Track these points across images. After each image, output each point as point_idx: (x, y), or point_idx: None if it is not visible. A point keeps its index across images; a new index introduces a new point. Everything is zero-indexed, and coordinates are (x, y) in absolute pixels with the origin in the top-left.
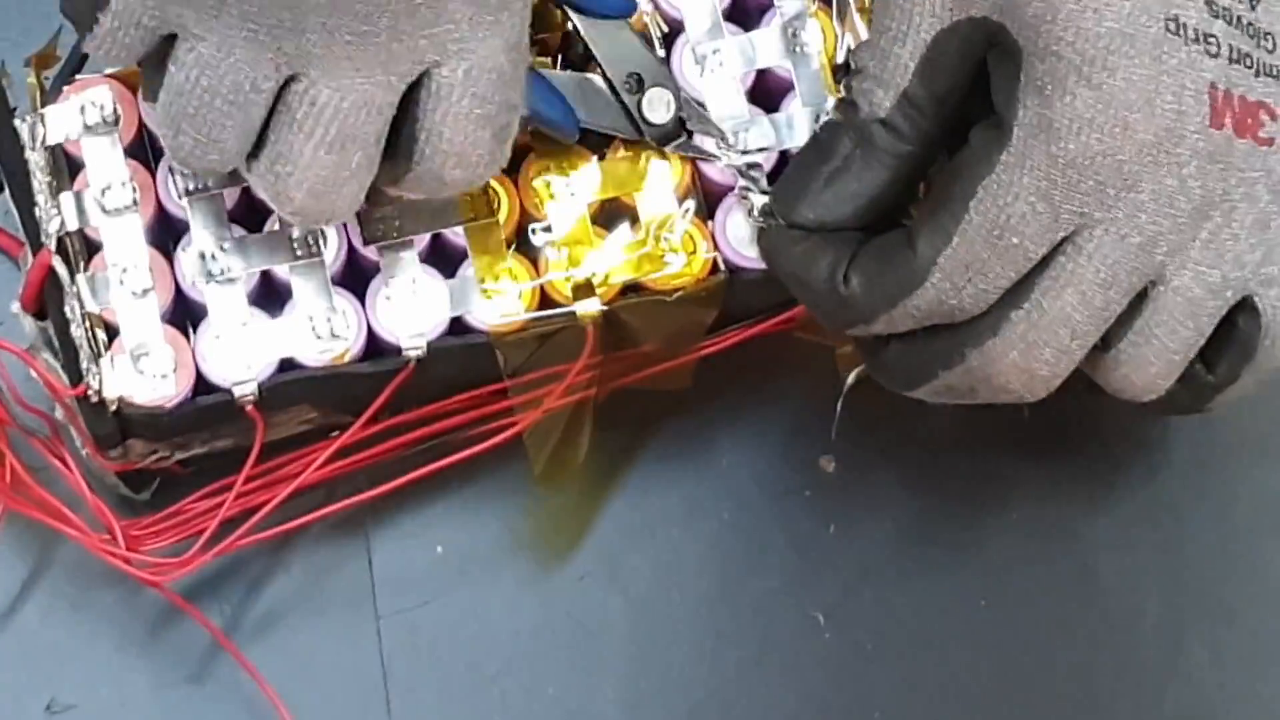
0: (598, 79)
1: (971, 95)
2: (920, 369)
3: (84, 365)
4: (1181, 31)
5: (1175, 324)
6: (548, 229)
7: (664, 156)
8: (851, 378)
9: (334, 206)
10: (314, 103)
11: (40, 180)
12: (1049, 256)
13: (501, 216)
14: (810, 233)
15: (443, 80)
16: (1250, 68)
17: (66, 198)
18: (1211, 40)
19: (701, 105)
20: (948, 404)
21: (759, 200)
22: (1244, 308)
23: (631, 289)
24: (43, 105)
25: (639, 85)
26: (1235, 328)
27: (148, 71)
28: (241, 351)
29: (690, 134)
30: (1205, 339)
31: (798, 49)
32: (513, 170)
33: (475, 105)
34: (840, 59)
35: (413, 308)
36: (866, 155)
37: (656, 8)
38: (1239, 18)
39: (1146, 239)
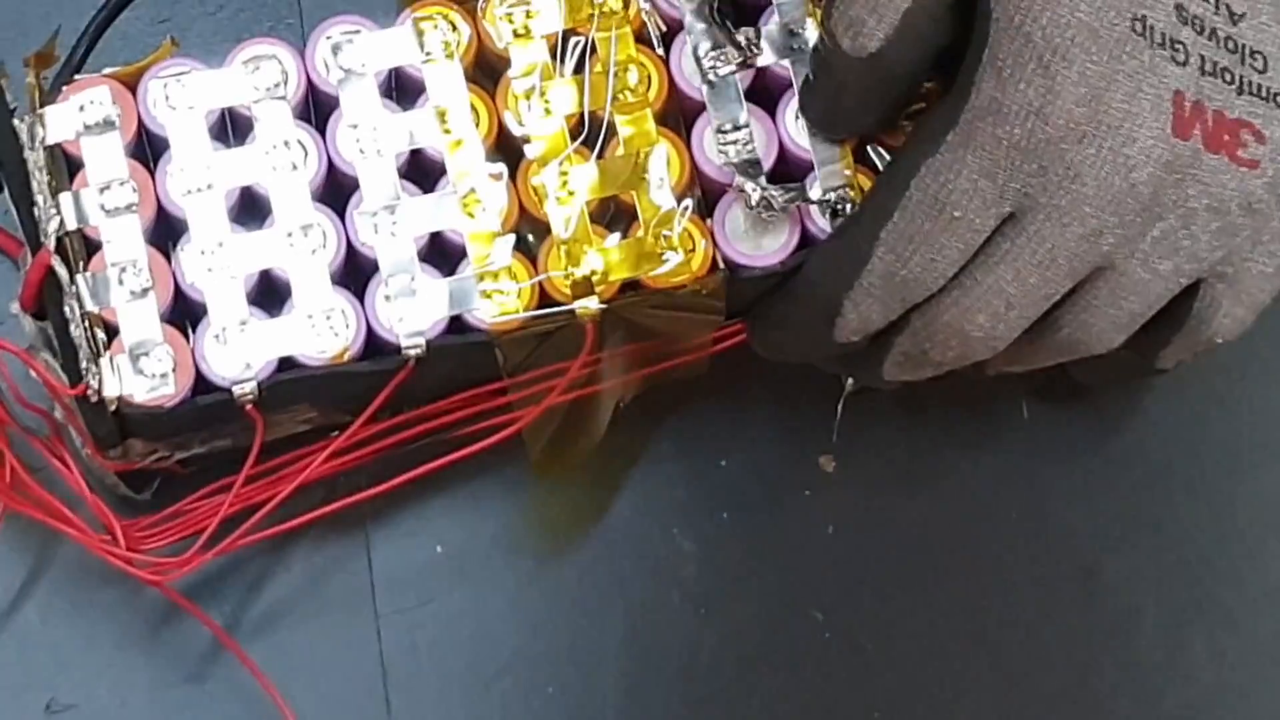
0: None
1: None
2: (882, 343)
3: (83, 365)
4: (1147, 33)
5: (1119, 299)
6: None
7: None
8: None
9: None
10: None
11: (39, 180)
12: (996, 231)
13: (500, 216)
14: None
15: None
16: (1231, 83)
17: (66, 197)
18: (1179, 47)
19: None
20: (917, 383)
21: (755, 194)
22: (1190, 287)
23: (631, 287)
24: (42, 105)
25: None
26: (1172, 301)
27: None
28: (241, 350)
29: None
30: (1154, 310)
31: (796, 47)
32: (512, 170)
33: None
34: None
35: (412, 306)
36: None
37: (655, 7)
38: (1215, 30)
39: (1090, 230)
